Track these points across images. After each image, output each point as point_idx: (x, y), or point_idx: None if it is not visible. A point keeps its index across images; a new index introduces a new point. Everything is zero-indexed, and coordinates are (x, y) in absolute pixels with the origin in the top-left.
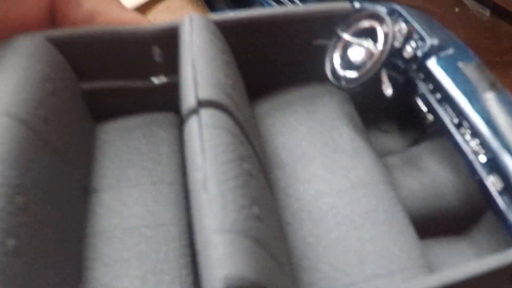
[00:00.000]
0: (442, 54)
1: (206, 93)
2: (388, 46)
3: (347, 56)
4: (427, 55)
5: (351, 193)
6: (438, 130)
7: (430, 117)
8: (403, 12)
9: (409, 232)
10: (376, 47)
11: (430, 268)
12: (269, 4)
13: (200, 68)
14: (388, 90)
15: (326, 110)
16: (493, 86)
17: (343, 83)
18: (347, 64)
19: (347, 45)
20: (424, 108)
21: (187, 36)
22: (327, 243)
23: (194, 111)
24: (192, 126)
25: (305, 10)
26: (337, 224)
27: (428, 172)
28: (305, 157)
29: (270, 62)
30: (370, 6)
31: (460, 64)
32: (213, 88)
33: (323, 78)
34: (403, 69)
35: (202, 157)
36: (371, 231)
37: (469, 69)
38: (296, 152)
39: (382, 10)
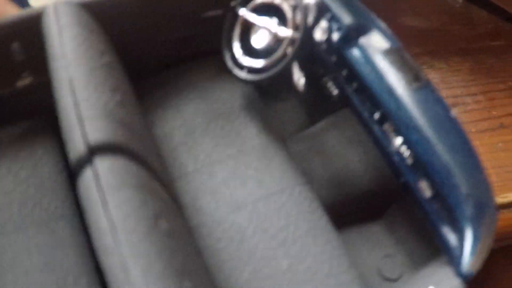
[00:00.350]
0: (362, 39)
1: (97, 134)
2: (302, 32)
3: (250, 39)
4: (343, 40)
5: (269, 203)
6: (342, 102)
7: (335, 92)
8: None
9: (334, 240)
10: (285, 30)
11: (352, 262)
12: None
13: (80, 89)
14: (301, 82)
15: (224, 95)
16: (417, 78)
17: (246, 74)
18: (251, 49)
19: (247, 24)
20: (335, 92)
21: (54, 36)
22: (254, 268)
23: (86, 161)
24: (90, 186)
25: None
26: (259, 242)
27: (337, 157)
28: (210, 162)
29: (157, 42)
30: None
31: (382, 51)
32: (104, 122)
33: (218, 53)
34: (313, 52)
35: (113, 238)
36: (296, 246)
37: (392, 58)
38: (199, 155)
39: None
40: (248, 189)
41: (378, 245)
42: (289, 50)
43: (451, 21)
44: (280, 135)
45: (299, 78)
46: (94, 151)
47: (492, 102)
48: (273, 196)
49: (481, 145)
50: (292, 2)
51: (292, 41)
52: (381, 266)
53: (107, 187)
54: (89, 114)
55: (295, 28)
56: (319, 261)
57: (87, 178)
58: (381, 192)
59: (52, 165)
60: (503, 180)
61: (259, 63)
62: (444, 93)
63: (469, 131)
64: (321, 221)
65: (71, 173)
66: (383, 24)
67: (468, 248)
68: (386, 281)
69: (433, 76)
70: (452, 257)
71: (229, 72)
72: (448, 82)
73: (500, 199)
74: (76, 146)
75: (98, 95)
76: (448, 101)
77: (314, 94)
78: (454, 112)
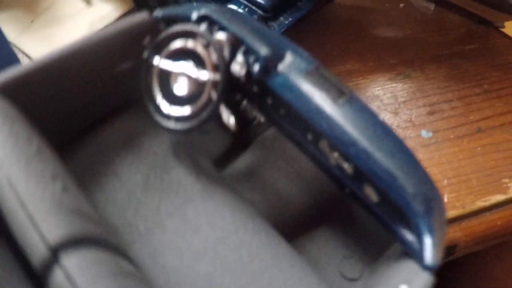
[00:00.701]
0: (281, 66)
1: (54, 231)
2: (222, 72)
3: (171, 87)
4: (263, 71)
5: (227, 244)
6: (265, 125)
7: (262, 118)
8: (216, 16)
9: (298, 261)
10: (205, 73)
11: (318, 274)
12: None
13: (22, 186)
14: (231, 121)
15: (154, 146)
16: (341, 92)
17: (175, 124)
18: (174, 97)
19: (166, 72)
20: (262, 119)
21: None
22: None
23: (52, 263)
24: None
25: (93, 38)
26: (230, 283)
27: (273, 178)
28: (159, 218)
29: (75, 106)
30: (175, 12)
31: (303, 74)
32: (58, 216)
33: (138, 104)
34: (233, 85)
35: None
36: (265, 277)
37: (313, 79)
38: (146, 214)
39: (192, 15)
40: (204, 235)
41: (333, 249)
42: (213, 92)
43: (424, 29)
44: (216, 171)
45: (228, 117)
46: (57, 250)
47: (469, 107)
48: (230, 236)
49: (460, 151)
50: (204, 42)
51: (214, 82)
52: (342, 268)
53: (83, 285)
54: (40, 212)
55: (214, 68)
56: (290, 285)
57: (58, 281)
58: (324, 199)
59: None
60: (483, 184)
61: (185, 110)
62: (421, 101)
63: (448, 137)
64: (281, 248)
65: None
66: (296, 46)
67: (428, 242)
68: (351, 281)
69: (409, 85)
70: (414, 253)
71: (152, 121)
72: (424, 91)
73: (481, 202)
74: (37, 250)
75: (42, 188)
76: (425, 110)
77: (239, 122)
78: (432, 119)
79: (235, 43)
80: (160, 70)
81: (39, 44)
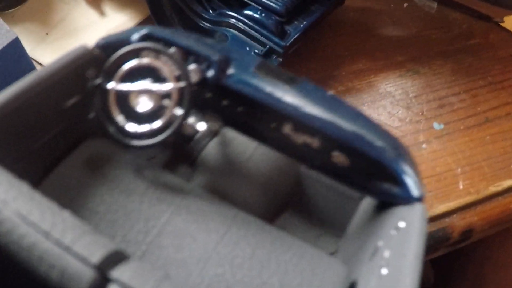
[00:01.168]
0: (231, 68)
1: (95, 249)
2: (188, 78)
3: (133, 107)
4: (218, 74)
5: (227, 243)
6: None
7: (202, 126)
8: (160, 33)
9: (292, 240)
10: (167, 85)
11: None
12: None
13: (38, 218)
14: (201, 126)
15: (118, 171)
16: (292, 78)
17: (148, 139)
18: (139, 116)
19: (122, 95)
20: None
21: None
22: None
23: (105, 282)
24: None
25: (35, 77)
26: (243, 277)
27: (237, 170)
28: (152, 238)
29: (32, 149)
30: (115, 38)
31: (254, 69)
32: (88, 235)
33: (93, 135)
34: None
35: None
36: (272, 263)
37: (264, 70)
38: (137, 238)
39: (133, 37)
40: (201, 241)
41: (305, 232)
42: (181, 99)
43: (428, 27)
44: (184, 179)
45: (196, 123)
46: (104, 268)
47: (475, 99)
48: (226, 234)
49: (470, 140)
50: (157, 55)
51: (180, 90)
52: (319, 246)
53: None
54: (68, 237)
55: (176, 78)
56: (298, 262)
57: None
58: (281, 190)
59: None
60: (494, 170)
61: (156, 124)
62: (431, 96)
63: (458, 128)
64: (273, 233)
65: None
66: (235, 48)
67: (408, 178)
68: (331, 255)
69: (418, 81)
70: (396, 196)
71: (108, 147)
72: (433, 85)
73: (494, 188)
74: (80, 275)
75: (58, 215)
76: (436, 103)
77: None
78: (442, 112)
79: (184, 55)
80: (117, 93)
81: (56, 56)
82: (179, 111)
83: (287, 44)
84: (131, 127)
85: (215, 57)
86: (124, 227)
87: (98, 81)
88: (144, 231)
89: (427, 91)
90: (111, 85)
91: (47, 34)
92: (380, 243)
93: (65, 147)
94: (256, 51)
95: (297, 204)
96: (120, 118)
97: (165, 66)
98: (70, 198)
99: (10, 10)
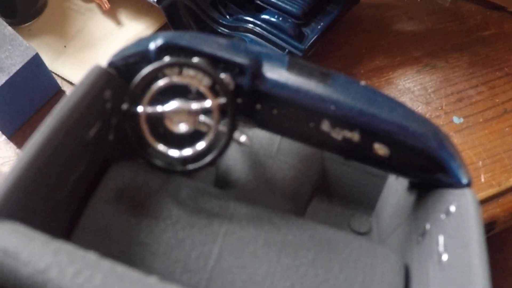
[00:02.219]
0: (263, 71)
1: None
2: (228, 92)
3: (170, 130)
4: (252, 81)
5: (287, 253)
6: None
7: (243, 139)
8: (180, 41)
9: (343, 235)
10: (207, 102)
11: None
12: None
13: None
14: (243, 139)
15: (154, 196)
16: (323, 74)
17: (194, 164)
18: (179, 139)
19: (155, 118)
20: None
21: None
22: None
23: None
24: None
25: (58, 119)
26: (311, 284)
27: (269, 173)
28: (212, 265)
29: (65, 194)
30: (128, 51)
31: (286, 69)
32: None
33: (115, 156)
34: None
35: None
36: (339, 269)
37: (295, 70)
38: (196, 268)
39: (150, 48)
40: (263, 256)
41: (337, 215)
42: (224, 116)
43: (443, 20)
44: (225, 194)
45: (239, 135)
46: None
47: (493, 91)
48: (284, 245)
49: (490, 133)
50: (187, 71)
51: (222, 106)
52: (354, 226)
53: None
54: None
55: (214, 93)
56: (355, 259)
57: None
58: (311, 174)
59: None
60: None
61: (199, 146)
62: (449, 90)
63: (478, 121)
64: (325, 231)
65: None
66: (258, 47)
67: (454, 165)
68: (365, 234)
69: (436, 75)
70: (446, 181)
71: (140, 174)
72: (450, 79)
73: None
74: None
75: (98, 269)
76: (454, 97)
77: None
78: (461, 105)
79: (212, 63)
80: (148, 116)
81: (76, 68)
82: (223, 128)
83: (306, 47)
84: (175, 152)
85: (246, 62)
86: (181, 257)
87: (125, 106)
88: (203, 257)
89: (445, 85)
90: (140, 108)
91: (65, 46)
92: (428, 226)
93: (91, 178)
94: None
95: (324, 189)
96: (158, 144)
97: (195, 80)
98: (111, 239)
99: (26, 24)
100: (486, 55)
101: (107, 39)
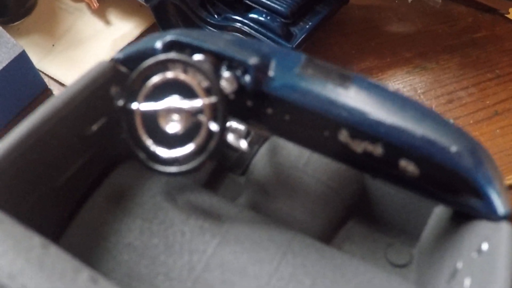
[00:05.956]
0: (271, 70)
1: None
2: (220, 92)
3: (162, 128)
4: (256, 81)
5: (282, 274)
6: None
7: (243, 144)
8: (185, 38)
9: (356, 263)
10: (198, 101)
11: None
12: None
13: None
14: (243, 144)
15: (147, 198)
16: (343, 76)
17: (180, 167)
18: (169, 138)
19: (149, 115)
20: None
21: None
22: None
23: None
24: None
25: (55, 104)
26: None
27: (286, 187)
28: (196, 275)
29: (59, 184)
30: (136, 48)
31: (297, 71)
32: None
33: (122, 162)
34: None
35: None
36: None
37: (311, 70)
38: (180, 276)
39: (157, 46)
40: (253, 274)
41: (374, 242)
42: (214, 118)
43: (434, 22)
44: (226, 200)
45: (238, 140)
46: None
47: (484, 92)
48: (280, 266)
49: (480, 134)
50: (183, 67)
51: (212, 106)
52: (390, 257)
53: None
54: None
55: (206, 92)
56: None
57: None
58: (344, 198)
59: None
60: (506, 163)
61: (188, 148)
62: (439, 91)
63: (468, 123)
64: (335, 257)
65: None
66: (276, 45)
67: (492, 192)
68: (403, 267)
69: (426, 77)
70: (477, 210)
71: (136, 176)
72: (441, 81)
73: (506, 181)
74: None
75: (70, 285)
76: (444, 99)
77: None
78: (452, 107)
79: (215, 61)
80: (143, 113)
81: (63, 67)
82: (214, 127)
83: (294, 46)
84: (163, 152)
85: (251, 60)
86: (166, 264)
87: (121, 101)
88: (189, 267)
89: (435, 87)
90: (135, 105)
91: (53, 45)
92: (460, 265)
93: (95, 176)
94: None
95: (363, 211)
96: (149, 143)
97: (193, 79)
98: (102, 236)
99: (15, 23)
100: (477, 57)
101: (96, 39)
